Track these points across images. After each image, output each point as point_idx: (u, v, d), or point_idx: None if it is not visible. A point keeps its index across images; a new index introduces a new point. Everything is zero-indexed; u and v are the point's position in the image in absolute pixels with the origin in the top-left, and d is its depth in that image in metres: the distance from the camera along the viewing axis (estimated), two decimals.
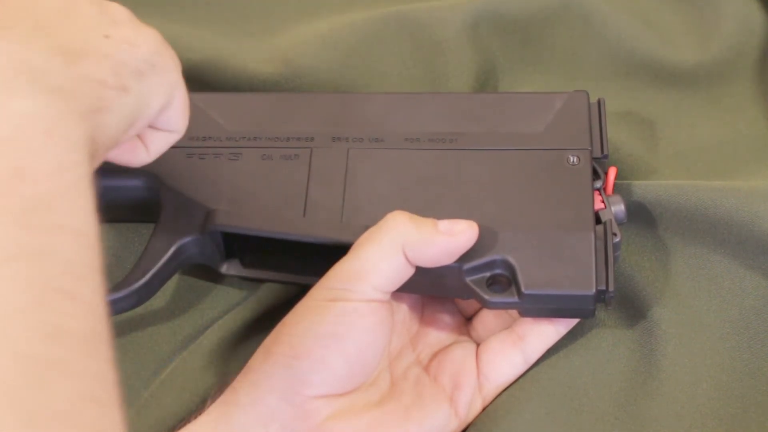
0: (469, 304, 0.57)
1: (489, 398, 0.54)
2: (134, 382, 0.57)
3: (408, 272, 0.51)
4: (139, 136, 0.49)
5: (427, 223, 0.51)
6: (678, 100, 0.67)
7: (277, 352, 0.50)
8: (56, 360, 0.33)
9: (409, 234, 0.50)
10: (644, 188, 0.58)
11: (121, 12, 0.46)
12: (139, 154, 0.50)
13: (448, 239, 0.51)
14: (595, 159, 0.56)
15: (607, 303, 0.52)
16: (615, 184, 0.57)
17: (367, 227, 0.52)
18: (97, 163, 0.42)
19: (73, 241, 0.36)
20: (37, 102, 0.37)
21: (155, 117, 0.46)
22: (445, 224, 0.51)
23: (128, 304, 0.55)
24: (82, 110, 0.40)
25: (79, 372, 0.33)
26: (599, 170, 0.56)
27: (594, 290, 0.51)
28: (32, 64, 0.39)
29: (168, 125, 0.48)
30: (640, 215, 0.58)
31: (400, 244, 0.50)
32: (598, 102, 0.58)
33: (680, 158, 0.64)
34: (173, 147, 0.56)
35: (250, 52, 0.68)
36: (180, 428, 0.50)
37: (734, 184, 0.58)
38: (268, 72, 0.66)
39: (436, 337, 0.56)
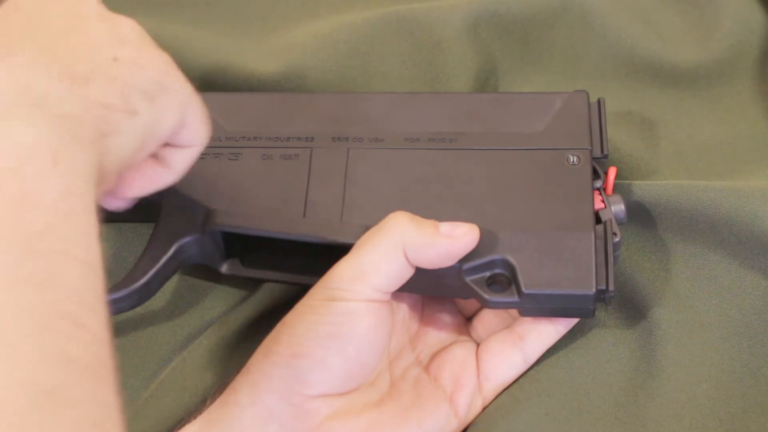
0: (469, 304, 0.57)
1: (489, 398, 0.54)
2: (134, 382, 0.57)
3: (408, 273, 0.51)
4: (157, 158, 0.48)
5: (428, 224, 0.51)
6: (678, 100, 0.67)
7: (276, 351, 0.50)
8: (61, 387, 0.33)
9: (410, 235, 0.50)
10: (644, 188, 0.58)
11: (130, 28, 0.45)
12: (162, 177, 0.49)
13: (449, 242, 0.51)
14: (595, 159, 0.56)
15: (607, 303, 0.52)
16: (615, 184, 0.57)
17: (367, 227, 0.52)
18: (106, 187, 0.41)
19: (77, 268, 0.36)
20: (42, 129, 0.37)
21: (170, 137, 0.46)
22: (446, 227, 0.51)
23: (128, 304, 0.55)
24: (89, 135, 0.39)
25: (83, 399, 0.33)
26: (599, 170, 0.56)
27: (594, 290, 0.51)
28: (37, 90, 0.38)
29: (188, 141, 0.48)
30: (640, 215, 0.58)
31: (400, 244, 0.50)
32: (598, 102, 0.58)
33: (680, 158, 0.64)
34: None
35: (250, 52, 0.68)
36: (180, 428, 0.50)
37: (734, 184, 0.58)
38: (268, 72, 0.66)
39: (436, 337, 0.56)
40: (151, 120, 0.44)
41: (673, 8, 0.70)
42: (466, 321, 0.57)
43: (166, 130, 0.45)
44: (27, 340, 0.33)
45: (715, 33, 0.68)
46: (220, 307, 0.59)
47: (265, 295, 0.58)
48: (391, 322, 0.52)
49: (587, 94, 0.59)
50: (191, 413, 0.54)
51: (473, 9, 0.68)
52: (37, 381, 0.32)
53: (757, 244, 0.56)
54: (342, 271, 0.50)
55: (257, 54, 0.68)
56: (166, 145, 0.47)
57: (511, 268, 0.52)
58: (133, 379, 0.57)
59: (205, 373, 0.56)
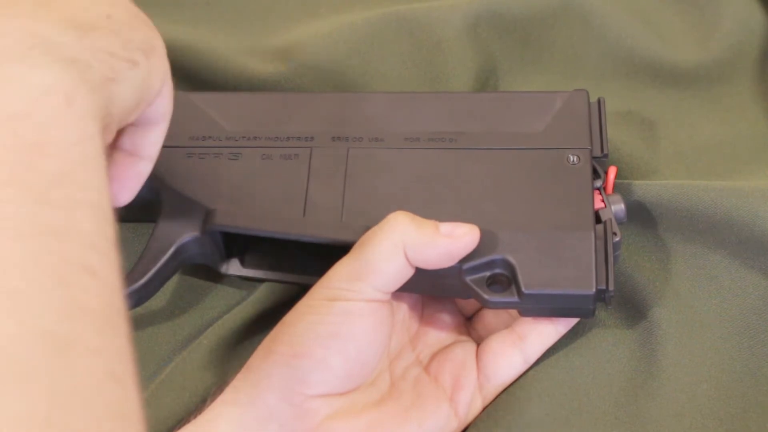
0: (469, 304, 0.57)
1: (489, 398, 0.54)
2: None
3: (408, 273, 0.51)
4: (128, 152, 0.49)
5: (429, 224, 0.51)
6: (678, 100, 0.67)
7: (277, 351, 0.50)
8: (78, 337, 0.33)
9: (410, 235, 0.50)
10: (644, 188, 0.58)
11: None
12: (142, 168, 0.49)
13: (449, 242, 0.51)
14: (595, 158, 0.56)
15: (607, 302, 0.52)
16: (615, 184, 0.57)
17: (367, 227, 0.52)
18: (109, 138, 0.42)
19: (91, 215, 0.36)
20: (55, 73, 0.37)
21: (153, 99, 0.46)
22: (446, 227, 0.51)
23: (128, 304, 0.54)
24: (96, 80, 0.40)
25: (100, 349, 0.34)
26: (599, 169, 0.56)
27: (594, 290, 0.51)
28: (45, 36, 0.39)
29: (160, 113, 0.48)
30: (640, 215, 0.58)
31: (401, 244, 0.50)
32: (598, 101, 0.58)
33: (680, 158, 0.64)
34: (173, 147, 0.56)
35: (250, 52, 0.68)
36: (180, 428, 0.50)
37: (734, 184, 0.58)
38: (268, 72, 0.66)
39: (436, 337, 0.56)
40: (147, 74, 0.44)
41: (673, 8, 0.70)
42: (466, 321, 0.57)
43: (156, 89, 0.46)
44: (42, 290, 0.33)
45: (715, 33, 0.68)
46: (220, 307, 0.59)
47: (265, 295, 0.58)
48: (391, 322, 0.52)
49: (587, 93, 0.59)
50: (191, 413, 0.54)
51: (473, 9, 0.68)
52: (52, 331, 0.32)
53: (757, 244, 0.56)
54: (342, 270, 0.50)
55: (257, 54, 0.68)
56: (132, 126, 0.48)
57: (511, 268, 0.52)
58: None
59: (205, 373, 0.56)
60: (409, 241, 0.50)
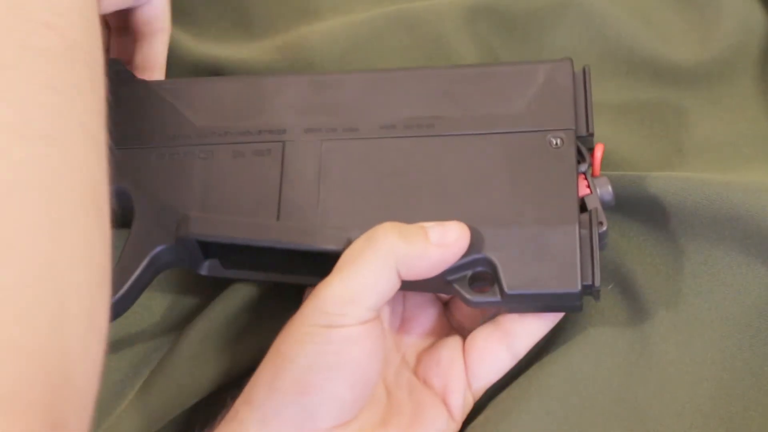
0: None
1: (479, 394, 0.53)
2: (128, 380, 0.57)
3: (397, 286, 0.50)
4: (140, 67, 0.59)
5: (418, 234, 0.50)
6: (678, 100, 0.66)
7: (281, 388, 0.48)
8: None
9: (401, 249, 0.49)
10: (646, 181, 0.57)
11: None
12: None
13: (441, 251, 0.50)
14: (579, 137, 0.54)
15: (595, 297, 0.51)
16: (616, 176, 0.55)
17: (348, 239, 0.51)
18: None
19: None
20: None
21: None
22: (436, 233, 0.50)
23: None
24: None
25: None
26: (584, 151, 0.53)
27: (579, 288, 0.49)
28: None
29: (148, 20, 0.59)
30: (642, 211, 0.57)
31: (392, 261, 0.49)
32: (583, 71, 0.56)
33: (680, 157, 0.63)
34: (143, 148, 0.55)
35: (250, 52, 0.67)
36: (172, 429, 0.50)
37: (741, 178, 0.57)
38: (268, 71, 0.65)
39: (418, 332, 0.55)
40: None
41: (673, 8, 0.69)
42: (444, 307, 0.56)
43: None
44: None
45: (715, 33, 0.67)
46: (207, 305, 0.58)
47: (260, 294, 0.58)
48: (384, 335, 0.51)
49: (572, 62, 0.56)
50: (182, 411, 0.54)
51: (472, 6, 0.67)
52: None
53: (762, 240, 0.55)
54: (335, 293, 0.49)
55: (257, 54, 0.67)
56: (135, 42, 0.55)
57: (494, 267, 0.50)
58: (128, 377, 0.57)
59: (194, 370, 0.55)
60: (401, 257, 0.49)
